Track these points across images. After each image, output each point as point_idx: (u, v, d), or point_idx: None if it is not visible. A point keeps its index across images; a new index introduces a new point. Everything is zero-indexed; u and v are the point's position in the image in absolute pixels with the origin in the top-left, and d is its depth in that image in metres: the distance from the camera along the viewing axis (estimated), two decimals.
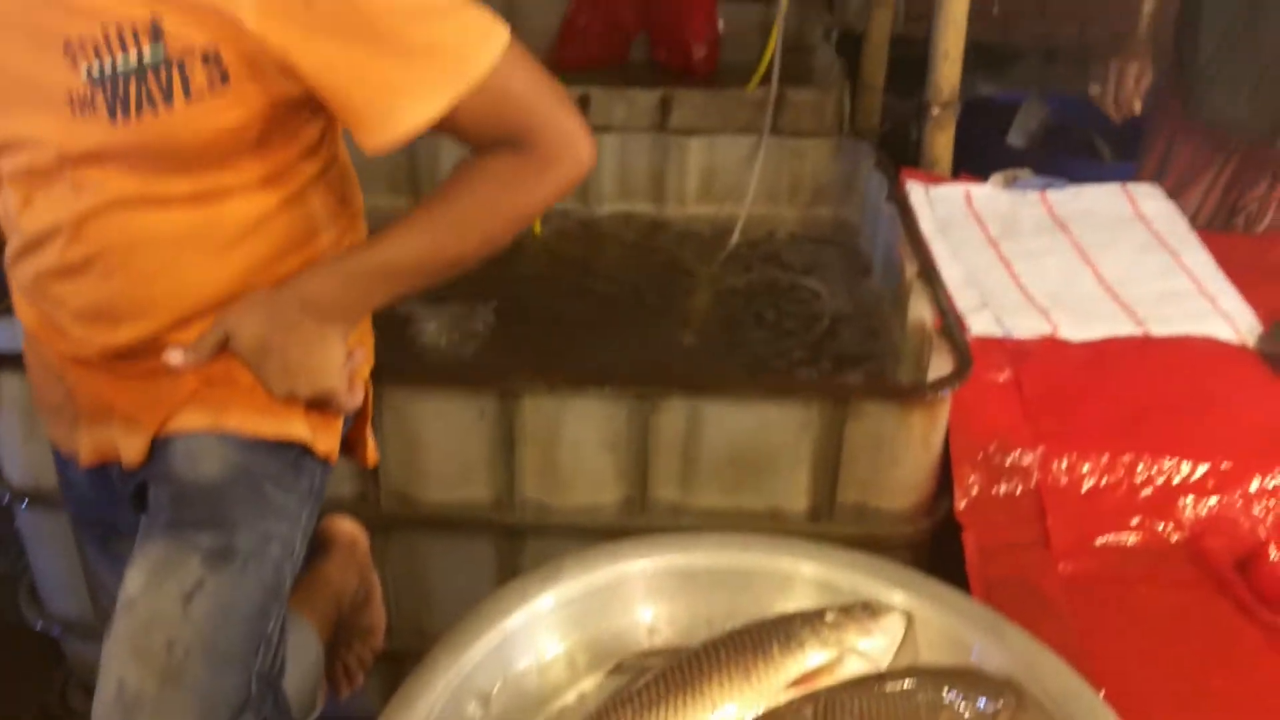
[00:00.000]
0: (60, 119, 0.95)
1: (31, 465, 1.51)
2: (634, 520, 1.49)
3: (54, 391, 1.16)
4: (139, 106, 0.94)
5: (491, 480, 1.48)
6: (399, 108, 0.94)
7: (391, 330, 1.61)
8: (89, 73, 0.93)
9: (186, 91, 0.94)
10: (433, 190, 1.03)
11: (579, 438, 1.45)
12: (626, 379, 1.43)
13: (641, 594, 1.24)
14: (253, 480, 1.10)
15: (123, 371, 1.10)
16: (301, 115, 1.03)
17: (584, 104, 2.39)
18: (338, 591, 1.45)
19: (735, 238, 2.24)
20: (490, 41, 0.96)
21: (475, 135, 0.99)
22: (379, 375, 1.37)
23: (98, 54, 0.93)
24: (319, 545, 1.48)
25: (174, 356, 1.04)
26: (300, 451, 1.13)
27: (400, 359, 1.73)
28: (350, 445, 1.25)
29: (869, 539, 1.48)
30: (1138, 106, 1.99)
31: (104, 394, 1.11)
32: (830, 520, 1.50)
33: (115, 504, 1.19)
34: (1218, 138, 2.04)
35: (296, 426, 1.12)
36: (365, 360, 1.19)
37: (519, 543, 1.54)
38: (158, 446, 1.11)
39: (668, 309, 2.08)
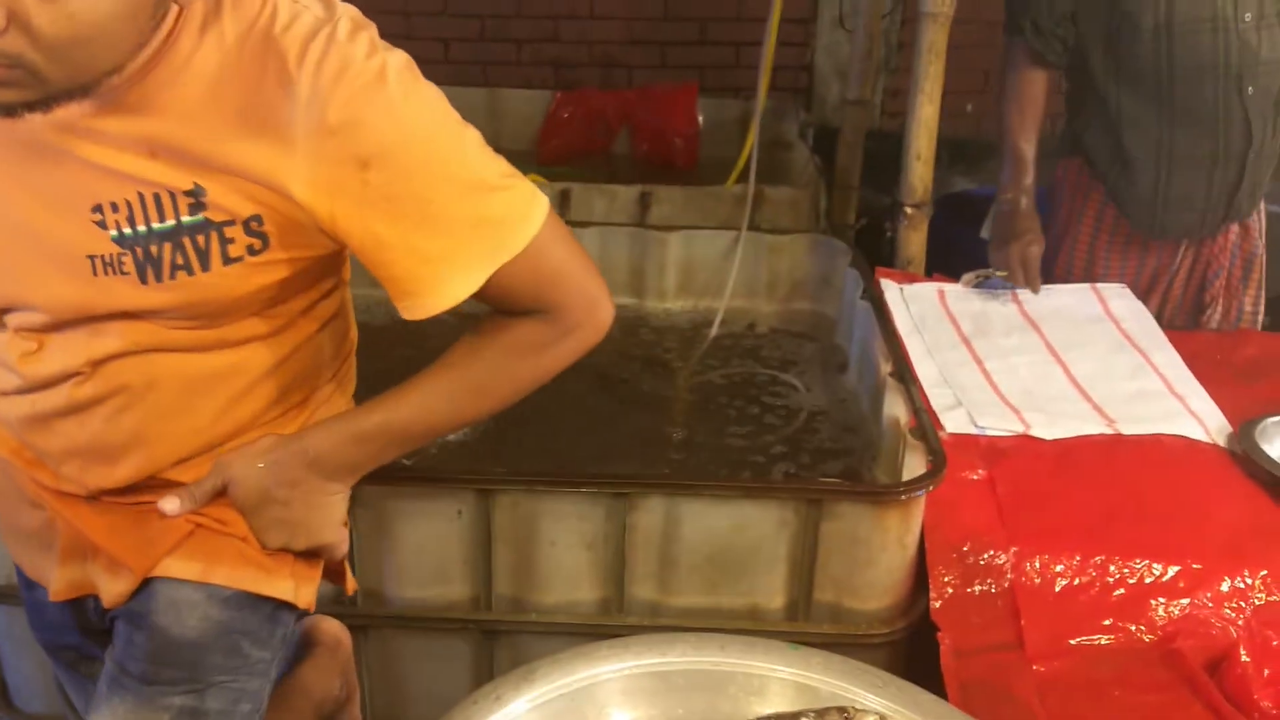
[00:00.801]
0: (80, 280, 0.93)
1: (1, 562, 1.50)
2: (612, 619, 1.49)
3: (28, 517, 1.12)
4: (172, 270, 0.92)
5: (468, 579, 1.48)
6: (444, 279, 0.94)
7: None
8: (120, 235, 0.91)
9: (225, 258, 0.92)
10: (451, 349, 1.03)
11: (556, 536, 1.45)
12: (604, 478, 1.44)
13: (617, 697, 1.23)
14: (231, 639, 1.08)
15: (110, 505, 1.07)
16: (331, 267, 1.04)
17: (565, 199, 2.44)
18: (316, 696, 1.42)
19: (714, 331, 2.27)
20: (533, 213, 0.97)
21: (508, 303, 0.99)
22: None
23: (131, 220, 0.90)
24: (300, 646, 1.47)
25: (170, 505, 1.02)
26: (279, 605, 1.11)
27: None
28: (329, 574, 1.23)
29: (846, 638, 1.48)
30: (1038, 283, 2.05)
31: (88, 531, 1.08)
32: (807, 619, 1.50)
33: (87, 633, 1.17)
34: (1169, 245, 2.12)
35: (283, 584, 1.10)
36: (348, 500, 1.17)
37: (495, 642, 1.53)
38: (140, 586, 1.08)
39: (648, 402, 2.10)
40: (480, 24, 3.63)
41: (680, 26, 3.69)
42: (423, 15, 3.57)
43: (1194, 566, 1.44)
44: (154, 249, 0.91)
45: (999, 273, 2.06)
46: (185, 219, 0.91)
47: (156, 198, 0.90)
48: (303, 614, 1.16)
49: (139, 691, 1.05)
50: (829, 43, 3.63)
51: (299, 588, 1.11)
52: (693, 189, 2.52)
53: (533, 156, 3.03)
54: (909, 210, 2.12)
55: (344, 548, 1.10)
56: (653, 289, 2.38)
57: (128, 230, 0.91)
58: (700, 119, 3.18)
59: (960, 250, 2.28)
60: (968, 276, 2.08)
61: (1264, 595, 1.42)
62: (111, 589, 1.07)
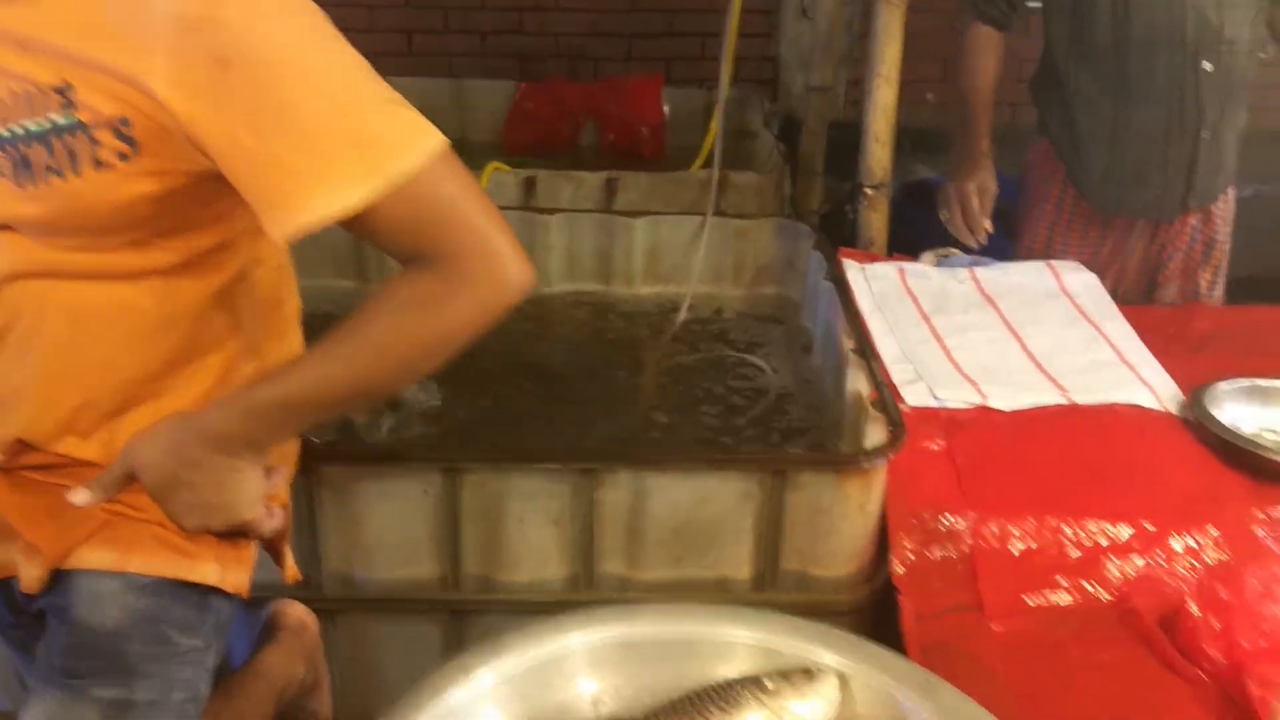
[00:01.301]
0: None
1: None
2: (581, 595, 1.51)
3: None
4: (45, 173, 0.89)
5: (436, 559, 1.50)
6: (309, 196, 0.86)
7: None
8: None
9: (95, 162, 0.88)
10: (346, 315, 0.95)
11: (523, 514, 1.47)
12: (569, 454, 1.46)
13: (584, 667, 1.25)
14: (156, 628, 1.05)
15: (25, 481, 1.04)
16: (221, 200, 0.96)
17: (530, 186, 2.46)
18: (278, 682, 1.42)
19: (682, 315, 2.29)
20: (420, 143, 0.89)
21: (393, 242, 0.92)
22: (319, 455, 1.39)
23: (4, 118, 0.88)
24: (265, 630, 1.48)
25: (79, 496, 0.99)
26: (208, 590, 1.08)
27: (340, 439, 1.74)
28: (270, 555, 1.20)
29: (812, 606, 1.50)
30: (987, 225, 2.08)
31: (5, 512, 1.05)
32: (774, 588, 1.53)
33: (19, 614, 1.13)
34: (1123, 224, 2.15)
35: (206, 568, 1.07)
36: (286, 479, 1.15)
37: (465, 622, 1.54)
38: (59, 577, 1.05)
39: (617, 387, 2.12)
40: (444, 16, 3.63)
41: (646, 18, 3.71)
42: (386, 7, 3.56)
43: (1147, 528, 1.47)
44: (27, 150, 0.88)
45: (956, 251, 2.09)
46: (58, 119, 0.87)
47: (28, 95, 0.87)
48: (236, 600, 1.12)
49: (66, 686, 1.03)
50: (794, 34, 3.65)
51: (226, 571, 1.08)
52: (658, 175, 2.54)
53: (498, 148, 3.04)
54: (869, 192, 2.15)
55: (270, 525, 1.06)
56: (620, 275, 2.39)
57: (3, 131, 0.88)
58: (666, 109, 3.20)
59: (921, 235, 2.32)
60: (927, 255, 2.11)
61: (1215, 554, 1.46)
62: (28, 573, 1.05)
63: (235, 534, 1.07)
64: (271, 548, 1.18)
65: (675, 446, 1.83)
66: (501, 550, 1.50)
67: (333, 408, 1.00)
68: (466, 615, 1.53)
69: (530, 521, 1.47)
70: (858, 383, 1.69)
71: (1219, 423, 1.64)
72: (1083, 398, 1.73)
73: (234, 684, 1.38)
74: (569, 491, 1.45)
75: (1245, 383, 1.74)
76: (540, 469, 1.45)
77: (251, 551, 1.13)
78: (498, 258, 0.92)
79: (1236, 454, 1.59)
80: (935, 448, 1.62)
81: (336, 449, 1.56)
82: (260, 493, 1.04)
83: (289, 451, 1.20)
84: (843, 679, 1.22)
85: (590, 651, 1.26)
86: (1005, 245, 2.25)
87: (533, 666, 1.23)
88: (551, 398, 2.05)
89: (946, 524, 1.50)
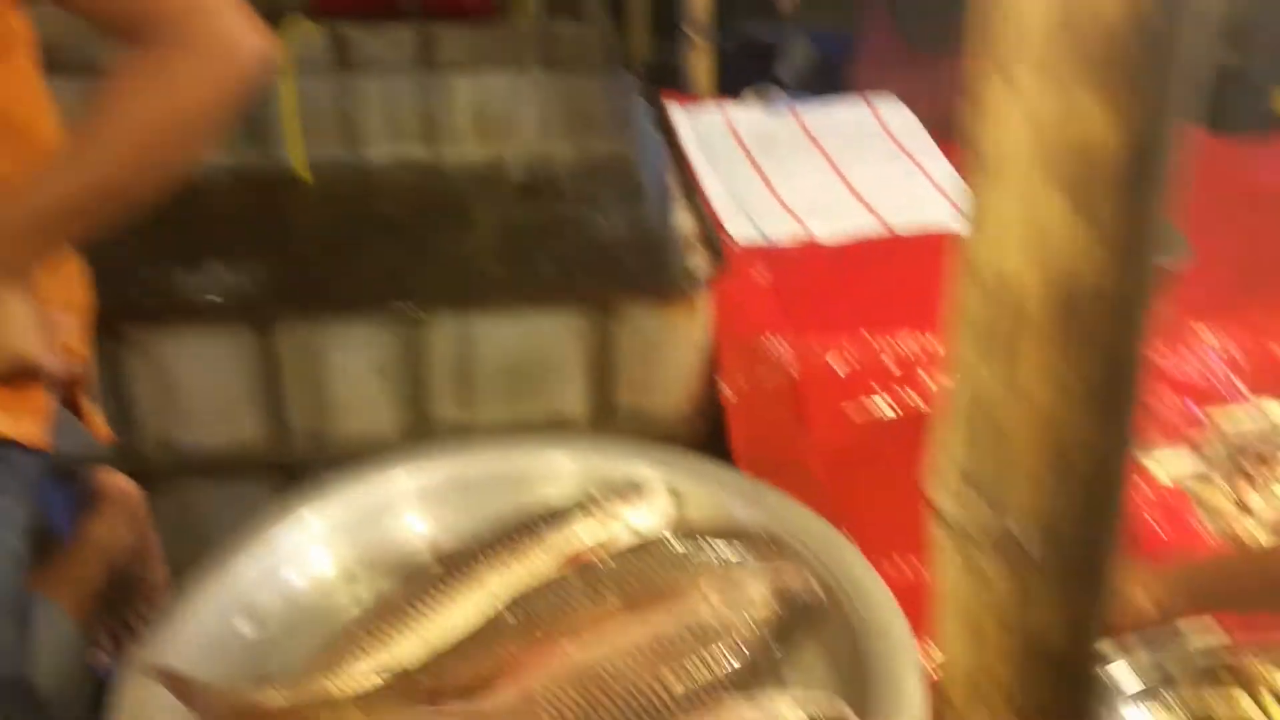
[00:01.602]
0: None
1: None
2: (418, 444, 1.49)
3: None
4: None
5: (260, 418, 1.45)
6: None
7: (141, 284, 1.54)
8: None
9: None
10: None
11: (346, 365, 1.43)
12: (384, 296, 1.42)
13: (415, 506, 1.25)
14: None
15: None
16: None
17: (341, 44, 2.33)
18: (108, 550, 1.38)
19: (514, 174, 2.24)
20: None
21: (100, 9, 0.85)
22: (121, 313, 1.32)
23: None
24: (88, 500, 1.41)
25: None
26: (4, 444, 1.02)
27: (143, 297, 1.63)
28: (70, 410, 1.14)
29: (649, 437, 1.52)
30: None
31: None
32: (612, 424, 1.54)
33: None
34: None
35: None
36: (77, 328, 1.09)
37: (298, 481, 1.50)
38: None
39: (450, 250, 2.06)
40: None
41: None
42: None
43: None
44: None
45: (779, 91, 2.10)
46: None
47: None
48: (43, 454, 1.06)
49: None
50: None
51: (17, 421, 1.02)
52: (480, 31, 2.45)
53: (312, 8, 2.86)
54: (694, 38, 2.13)
55: (55, 366, 1.00)
56: (447, 137, 2.31)
57: None
58: None
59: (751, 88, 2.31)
60: (750, 95, 2.11)
61: None
62: None
63: (20, 379, 1.00)
64: (70, 402, 1.12)
65: (498, 285, 1.78)
66: (329, 405, 1.46)
67: (83, 218, 0.92)
68: (299, 473, 1.50)
69: (354, 372, 1.44)
70: (684, 222, 1.69)
71: None
72: (902, 228, 1.79)
73: (61, 556, 1.34)
74: (392, 339, 1.42)
75: None
76: (358, 317, 1.41)
77: (44, 401, 1.06)
78: (220, 21, 0.86)
79: None
80: (762, 280, 1.65)
81: (139, 305, 1.47)
82: (31, 325, 0.97)
83: (75, 297, 1.13)
84: (675, 492, 1.25)
85: (420, 491, 1.25)
86: (831, 86, 2.27)
87: (362, 507, 1.22)
88: (381, 265, 1.98)
89: (773, 350, 1.54)
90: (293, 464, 1.49)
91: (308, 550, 1.17)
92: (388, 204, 2.22)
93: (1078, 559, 0.39)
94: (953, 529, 0.40)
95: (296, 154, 2.14)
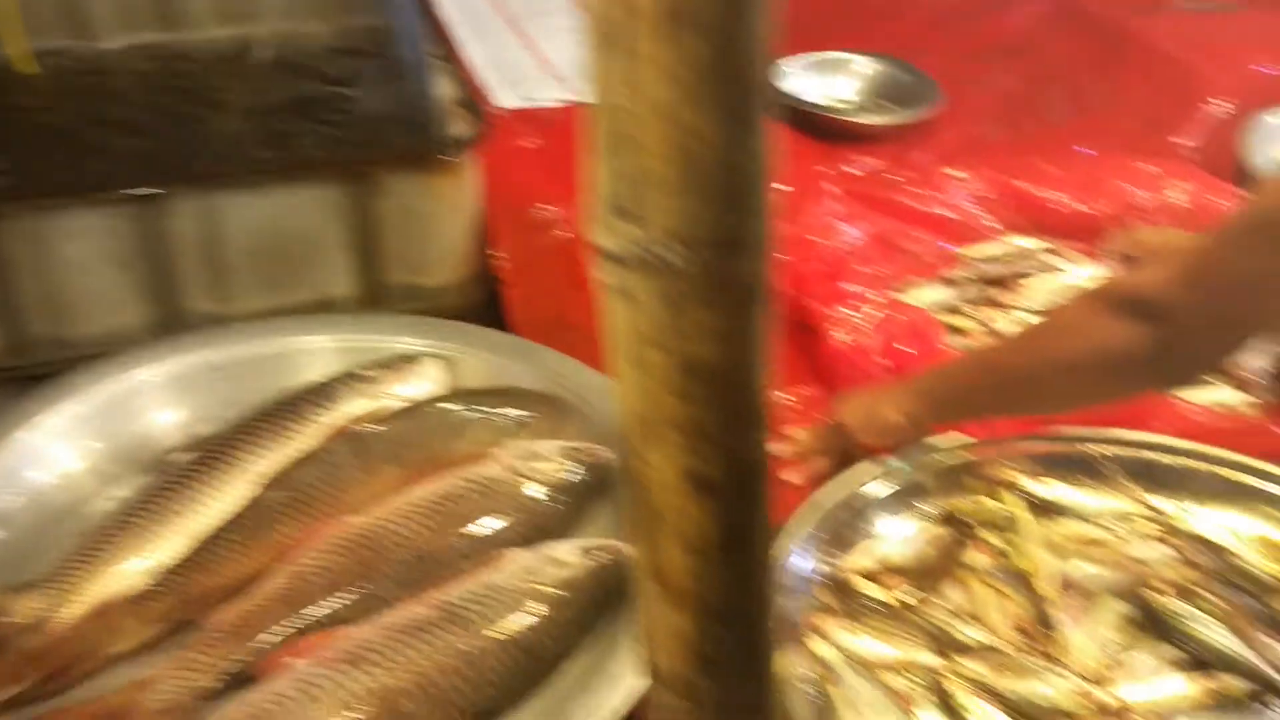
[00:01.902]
0: None
1: None
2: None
3: None
4: None
5: None
6: None
7: None
8: None
9: None
10: None
11: (80, 259, 1.31)
12: (119, 182, 1.30)
13: (166, 395, 1.17)
14: None
15: None
16: None
17: None
18: None
19: (263, 57, 2.09)
20: None
21: None
22: None
23: None
24: None
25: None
26: None
27: None
28: None
29: (423, 314, 1.48)
30: None
31: None
32: (385, 303, 1.48)
33: None
34: None
35: None
36: None
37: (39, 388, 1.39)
38: None
39: (197, 139, 1.91)
40: None
41: None
42: None
43: None
44: None
45: None
46: None
47: None
48: None
49: None
50: None
51: None
52: None
53: None
54: None
55: None
56: (184, 18, 2.12)
57: None
58: None
59: None
60: None
61: (787, 205, 1.57)
62: None
63: None
64: None
65: (245, 164, 1.66)
66: (67, 304, 1.34)
67: None
68: (39, 381, 1.38)
69: (90, 266, 1.32)
70: (444, 89, 1.63)
71: (787, 95, 1.74)
72: None
73: None
74: (128, 226, 1.31)
75: (815, 56, 1.85)
76: (91, 206, 1.29)
77: None
78: None
79: (806, 119, 1.71)
80: (530, 146, 1.61)
81: None
82: None
83: None
84: (448, 360, 1.22)
85: (170, 380, 1.18)
86: None
87: (106, 400, 1.14)
88: (117, 152, 1.82)
89: (545, 216, 1.51)
90: (31, 370, 1.36)
91: (49, 450, 1.09)
92: (125, 91, 2.03)
93: (719, 262, 0.39)
94: (608, 262, 0.40)
95: (16, 45, 1.93)
